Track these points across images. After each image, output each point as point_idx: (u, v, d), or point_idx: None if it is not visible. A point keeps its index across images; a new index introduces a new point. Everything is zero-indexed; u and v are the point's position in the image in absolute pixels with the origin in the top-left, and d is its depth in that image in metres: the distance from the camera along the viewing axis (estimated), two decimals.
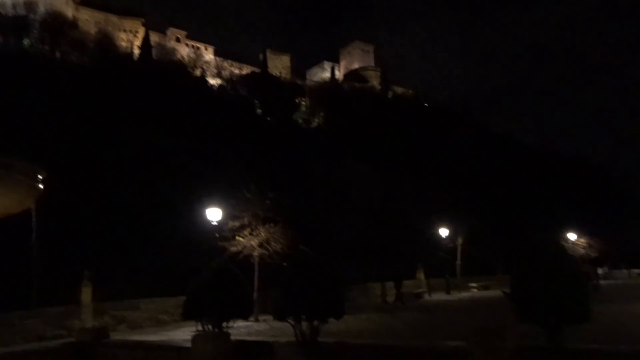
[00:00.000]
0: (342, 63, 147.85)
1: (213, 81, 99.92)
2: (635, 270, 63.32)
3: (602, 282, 35.12)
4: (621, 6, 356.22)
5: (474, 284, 40.14)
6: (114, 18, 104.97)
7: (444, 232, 37.74)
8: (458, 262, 40.80)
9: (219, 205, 22.28)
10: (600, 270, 42.45)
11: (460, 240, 40.65)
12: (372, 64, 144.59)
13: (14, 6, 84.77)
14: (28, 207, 7.59)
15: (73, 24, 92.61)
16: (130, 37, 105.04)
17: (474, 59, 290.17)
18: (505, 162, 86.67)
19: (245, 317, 15.16)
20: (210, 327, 13.89)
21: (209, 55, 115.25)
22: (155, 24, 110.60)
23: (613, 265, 60.96)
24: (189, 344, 11.65)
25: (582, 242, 52.63)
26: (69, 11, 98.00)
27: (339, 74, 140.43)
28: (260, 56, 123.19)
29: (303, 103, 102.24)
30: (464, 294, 36.14)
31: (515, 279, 10.23)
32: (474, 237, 41.90)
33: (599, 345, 9.78)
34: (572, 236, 50.12)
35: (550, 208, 67.49)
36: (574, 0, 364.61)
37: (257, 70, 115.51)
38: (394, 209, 38.43)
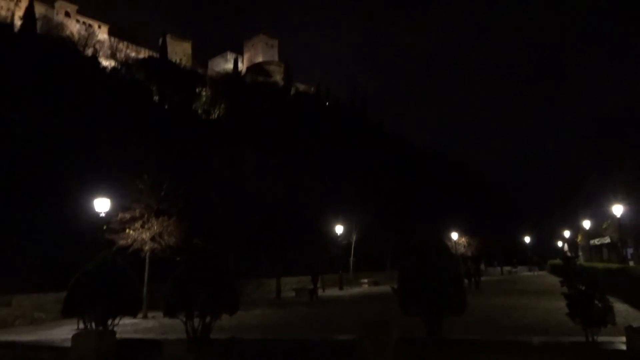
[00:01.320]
0: (246, 55, 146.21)
1: (106, 62, 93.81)
2: (507, 267, 70.00)
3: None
4: (504, 19, 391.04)
5: (365, 280, 41.84)
6: None
7: (339, 229, 38.88)
8: (352, 258, 42.23)
9: (108, 195, 21.06)
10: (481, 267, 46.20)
11: (354, 237, 42.11)
12: (276, 58, 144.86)
13: None
14: None
15: None
16: (11, 6, 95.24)
17: (371, 60, 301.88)
18: (397, 161, 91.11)
19: (133, 314, 14.51)
20: (93, 324, 13.12)
21: (102, 34, 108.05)
22: None
23: (488, 262, 66.88)
24: (68, 344, 10.90)
25: (463, 241, 57.07)
26: None
27: (242, 66, 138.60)
28: (160, 40, 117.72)
29: (204, 93, 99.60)
30: (356, 289, 37.57)
31: (401, 275, 10.91)
32: (367, 234, 43.64)
33: (470, 336, 10.75)
34: (454, 235, 54.09)
35: (436, 207, 72.17)
36: (462, 11, 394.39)
37: (155, 55, 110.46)
38: (292, 204, 38.78)
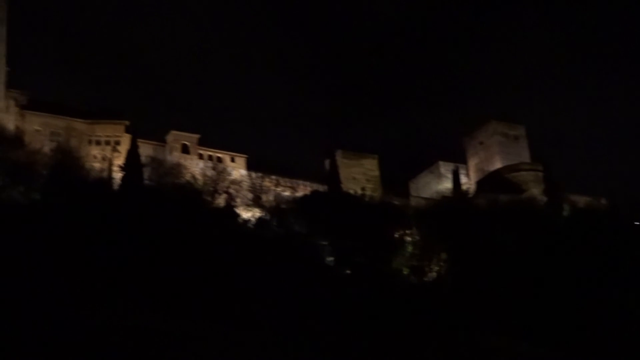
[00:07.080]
0: (472, 162, 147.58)
1: (247, 213, 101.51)
2: None
3: None
4: None
5: None
6: (80, 124, 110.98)
7: None
8: None
9: None
10: None
11: None
12: (527, 158, 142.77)
13: None
14: None
15: (16, 140, 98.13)
16: (107, 153, 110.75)
17: None
18: None
19: None
20: None
21: (238, 170, 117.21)
22: (147, 129, 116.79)
23: None
24: None
25: None
26: (10, 120, 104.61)
27: (467, 181, 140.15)
28: (326, 164, 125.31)
29: (408, 238, 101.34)
30: None
31: None
32: None
33: None
34: None
35: None
36: None
37: (320, 188, 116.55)
38: None
